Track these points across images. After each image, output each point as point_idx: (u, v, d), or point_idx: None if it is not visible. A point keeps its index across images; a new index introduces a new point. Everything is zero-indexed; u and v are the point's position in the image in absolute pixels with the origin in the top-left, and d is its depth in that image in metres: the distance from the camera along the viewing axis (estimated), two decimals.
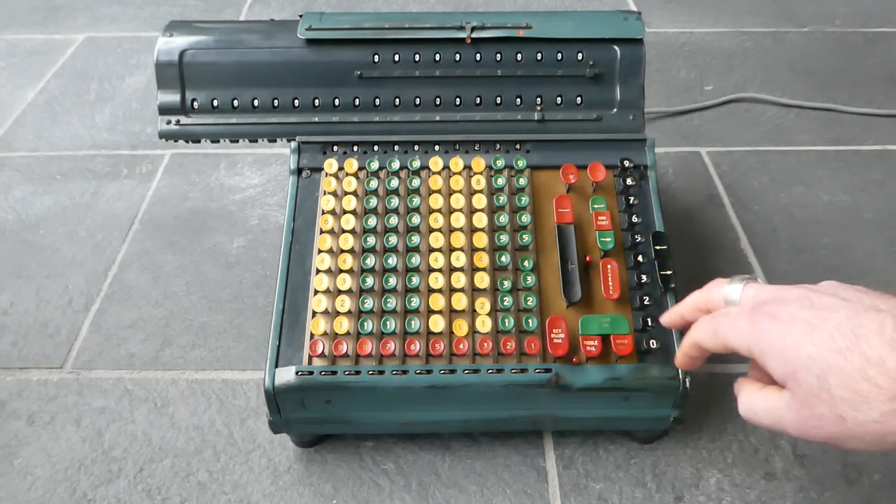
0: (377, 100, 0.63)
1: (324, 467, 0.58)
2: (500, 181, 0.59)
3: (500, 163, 0.60)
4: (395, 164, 0.60)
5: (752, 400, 0.41)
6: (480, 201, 0.58)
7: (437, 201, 0.59)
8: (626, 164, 0.61)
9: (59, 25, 1.17)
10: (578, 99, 0.62)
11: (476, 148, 0.62)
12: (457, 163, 0.60)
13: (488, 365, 0.52)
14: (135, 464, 0.58)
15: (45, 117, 0.97)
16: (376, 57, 0.62)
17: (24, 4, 1.23)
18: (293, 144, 0.61)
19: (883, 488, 0.56)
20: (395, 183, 0.60)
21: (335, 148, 0.62)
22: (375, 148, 0.61)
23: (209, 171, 0.87)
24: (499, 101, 0.63)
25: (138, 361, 0.66)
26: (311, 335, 0.53)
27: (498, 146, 0.61)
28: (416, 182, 0.60)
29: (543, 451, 0.59)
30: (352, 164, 0.60)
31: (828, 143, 0.90)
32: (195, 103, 0.63)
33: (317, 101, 0.62)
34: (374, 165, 0.60)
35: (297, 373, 0.51)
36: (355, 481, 0.57)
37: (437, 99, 0.63)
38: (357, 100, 0.62)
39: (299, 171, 0.61)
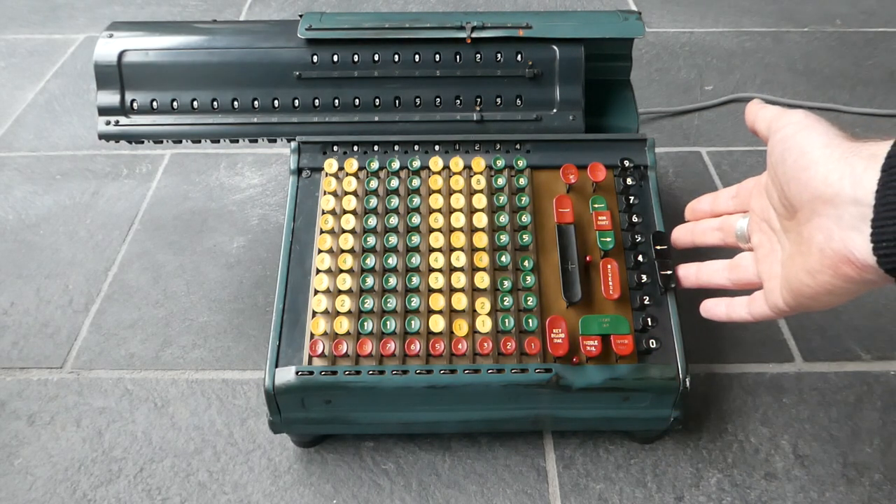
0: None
1: (324, 467, 0.58)
2: (500, 181, 0.59)
3: (500, 163, 0.60)
4: (395, 164, 0.60)
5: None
6: (480, 201, 0.58)
7: (437, 201, 0.59)
8: (626, 164, 0.60)
9: (59, 25, 1.17)
10: (518, 100, 0.62)
11: (476, 148, 0.61)
12: (457, 163, 0.60)
13: (488, 365, 0.52)
14: (135, 464, 0.58)
15: (45, 117, 0.97)
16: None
17: (24, 4, 1.23)
18: (293, 144, 0.61)
19: (883, 488, 0.56)
20: (395, 183, 0.60)
21: (335, 148, 0.62)
22: (375, 148, 0.61)
23: (209, 171, 0.87)
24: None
25: (138, 361, 0.66)
26: (311, 335, 0.53)
27: (498, 146, 0.61)
28: (416, 182, 0.60)
29: (543, 451, 0.59)
30: (352, 164, 0.60)
31: None
32: (134, 104, 0.62)
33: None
34: (374, 165, 0.60)
35: (297, 373, 0.52)
36: (355, 481, 0.57)
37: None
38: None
39: (299, 171, 0.61)
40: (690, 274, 0.54)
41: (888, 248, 0.34)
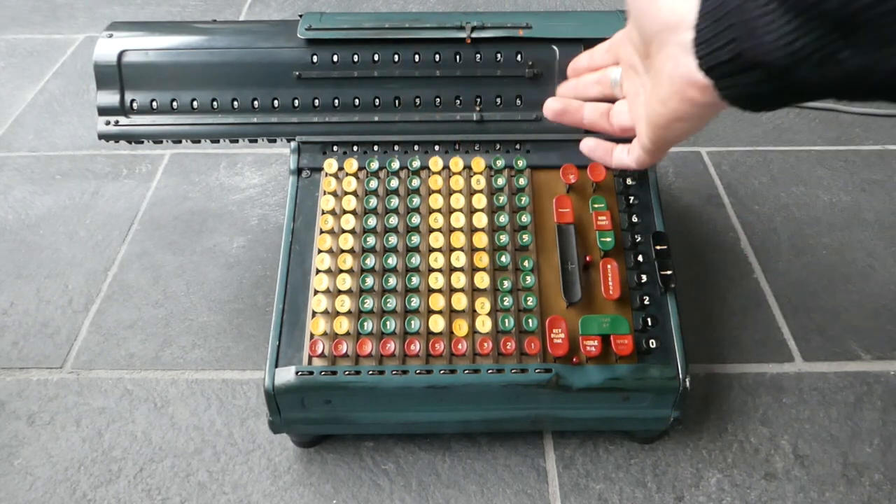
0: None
1: (324, 467, 0.58)
2: (500, 181, 0.59)
3: (500, 163, 0.60)
4: (395, 164, 0.60)
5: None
6: (480, 201, 0.58)
7: (436, 201, 0.59)
8: None
9: (59, 25, 1.17)
10: (518, 100, 0.62)
11: (476, 148, 0.61)
12: (457, 163, 0.60)
13: (488, 365, 0.52)
14: (135, 464, 0.58)
15: (45, 117, 0.97)
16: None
17: (24, 4, 1.23)
18: (293, 144, 0.61)
19: (883, 488, 0.56)
20: (394, 183, 0.60)
21: (335, 148, 0.62)
22: (375, 148, 0.61)
23: (209, 171, 0.87)
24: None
25: (138, 361, 0.66)
26: (311, 335, 0.53)
27: (498, 146, 0.61)
28: (415, 182, 0.60)
29: (543, 451, 0.59)
30: (352, 164, 0.60)
31: (828, 143, 0.90)
32: (134, 104, 0.62)
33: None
34: (374, 165, 0.60)
35: (297, 373, 0.52)
36: (355, 481, 0.57)
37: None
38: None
39: (299, 171, 0.61)
40: (568, 88, 0.52)
41: (706, 49, 0.35)
